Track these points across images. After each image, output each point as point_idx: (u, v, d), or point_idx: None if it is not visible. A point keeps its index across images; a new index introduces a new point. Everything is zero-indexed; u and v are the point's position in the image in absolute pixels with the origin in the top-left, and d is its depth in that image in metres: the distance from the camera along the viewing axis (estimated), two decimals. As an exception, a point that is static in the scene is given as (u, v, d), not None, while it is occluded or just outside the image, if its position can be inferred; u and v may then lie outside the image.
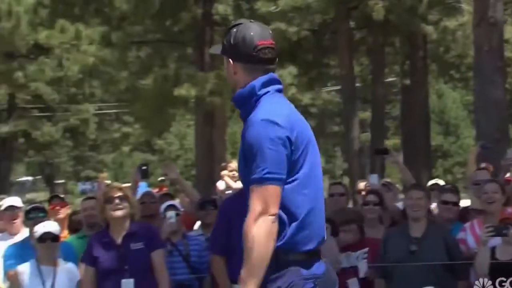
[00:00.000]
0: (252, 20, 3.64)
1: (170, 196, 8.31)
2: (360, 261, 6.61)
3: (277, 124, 3.37)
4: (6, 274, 6.49)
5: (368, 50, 22.77)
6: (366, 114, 30.34)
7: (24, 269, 6.08)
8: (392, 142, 33.12)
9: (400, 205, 7.56)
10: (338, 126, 37.13)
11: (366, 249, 6.64)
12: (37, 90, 29.55)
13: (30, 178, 47.75)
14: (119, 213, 5.87)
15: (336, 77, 24.19)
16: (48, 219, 6.67)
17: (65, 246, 6.48)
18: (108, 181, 8.42)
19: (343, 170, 39.37)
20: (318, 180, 3.54)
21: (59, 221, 6.97)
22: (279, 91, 3.58)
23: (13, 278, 6.17)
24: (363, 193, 8.29)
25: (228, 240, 5.53)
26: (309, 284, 3.45)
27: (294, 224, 3.41)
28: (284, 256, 3.42)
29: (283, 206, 3.38)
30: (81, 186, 42.20)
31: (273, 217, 3.31)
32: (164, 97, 20.09)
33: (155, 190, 10.81)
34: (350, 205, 9.28)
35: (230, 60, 3.57)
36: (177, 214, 6.81)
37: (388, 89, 28.06)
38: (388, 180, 8.95)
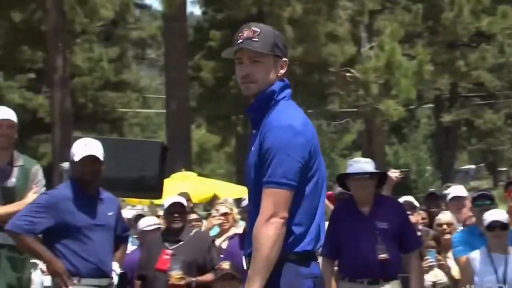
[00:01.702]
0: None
1: None
2: None
3: (298, 131, 3.49)
4: (456, 260, 6.63)
5: None
6: None
7: (476, 256, 6.15)
8: None
9: None
10: None
11: None
12: (479, 78, 29.61)
13: (473, 166, 48.08)
14: None
15: None
16: (496, 207, 6.63)
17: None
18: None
19: None
20: (323, 186, 3.63)
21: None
22: (290, 96, 3.67)
23: (464, 264, 6.26)
24: None
25: None
26: (308, 282, 3.51)
27: (298, 228, 3.52)
28: (284, 256, 3.48)
29: (290, 210, 3.48)
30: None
31: (283, 220, 3.44)
32: None
33: None
34: None
35: (285, 58, 3.63)
36: None
37: None
38: None
